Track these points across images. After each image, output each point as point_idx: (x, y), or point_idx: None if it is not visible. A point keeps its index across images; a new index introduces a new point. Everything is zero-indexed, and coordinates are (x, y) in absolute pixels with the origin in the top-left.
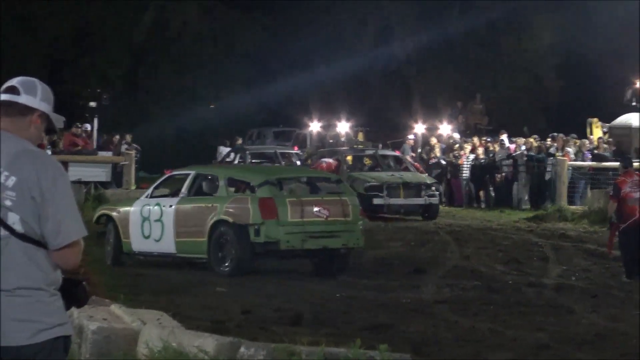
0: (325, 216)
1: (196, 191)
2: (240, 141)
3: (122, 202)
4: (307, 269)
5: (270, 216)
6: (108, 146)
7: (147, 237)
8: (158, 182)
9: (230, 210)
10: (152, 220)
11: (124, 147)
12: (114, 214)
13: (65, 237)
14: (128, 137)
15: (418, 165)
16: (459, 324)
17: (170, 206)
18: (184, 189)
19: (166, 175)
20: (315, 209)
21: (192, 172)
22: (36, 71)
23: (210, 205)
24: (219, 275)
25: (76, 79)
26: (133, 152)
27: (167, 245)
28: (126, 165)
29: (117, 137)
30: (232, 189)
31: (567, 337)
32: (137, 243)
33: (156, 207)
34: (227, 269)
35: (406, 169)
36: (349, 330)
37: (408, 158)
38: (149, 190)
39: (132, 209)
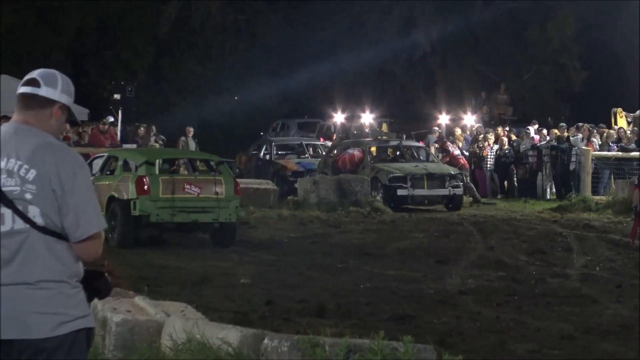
0: (196, 193)
1: (109, 171)
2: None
3: None
4: (331, 262)
5: (144, 192)
6: (133, 138)
7: None
8: (87, 162)
9: (118, 187)
10: None
11: (152, 139)
12: None
13: (86, 230)
14: (154, 128)
15: (459, 157)
16: (483, 314)
17: None
18: (97, 169)
19: (92, 158)
20: (187, 186)
21: (106, 155)
22: (59, 64)
23: (108, 183)
24: (239, 265)
25: (100, 71)
26: (157, 145)
27: None
28: None
29: (142, 128)
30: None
31: (592, 328)
32: None
33: None
34: (115, 240)
35: (437, 160)
36: (373, 321)
37: (452, 150)
38: None
39: None
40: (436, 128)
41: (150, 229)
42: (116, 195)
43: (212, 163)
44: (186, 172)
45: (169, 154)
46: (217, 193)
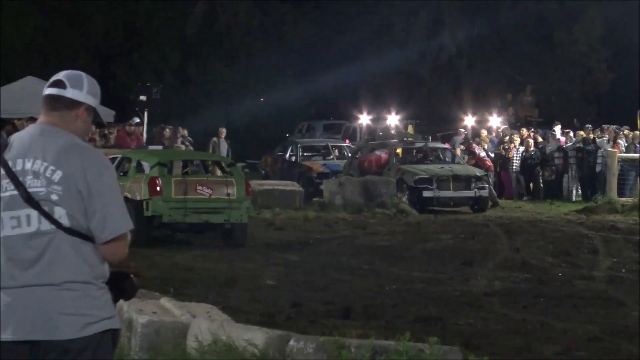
0: (208, 194)
1: (122, 172)
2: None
3: None
4: (357, 264)
5: (156, 193)
6: (158, 139)
7: None
8: None
9: (131, 188)
10: None
11: (179, 141)
12: None
13: (112, 231)
14: (183, 131)
15: (485, 158)
16: (509, 316)
17: None
18: None
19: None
20: (199, 187)
21: (120, 156)
22: (87, 65)
23: (121, 184)
24: (264, 266)
25: (127, 73)
26: (182, 147)
27: None
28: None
29: (168, 130)
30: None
31: (618, 330)
32: None
33: None
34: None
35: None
36: (399, 323)
37: (478, 151)
38: None
39: None
40: (462, 130)
41: (162, 229)
42: (129, 196)
43: (223, 165)
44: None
45: (181, 156)
46: (228, 194)
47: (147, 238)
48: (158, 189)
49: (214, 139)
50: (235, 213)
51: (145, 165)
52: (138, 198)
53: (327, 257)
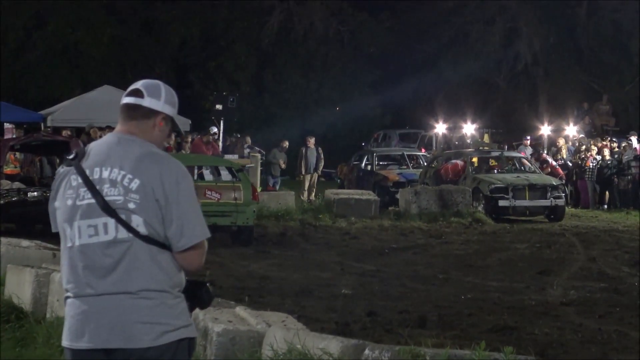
0: (216, 199)
1: None
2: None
3: None
4: (432, 273)
5: None
6: (234, 149)
7: None
8: None
9: None
10: None
11: (246, 151)
12: None
13: (189, 239)
14: (248, 140)
15: (558, 169)
16: (585, 326)
17: None
18: None
19: None
20: (208, 192)
21: None
22: (163, 74)
23: None
24: (340, 275)
25: (203, 81)
26: (258, 155)
27: None
28: (252, 168)
29: (248, 139)
30: None
31: None
32: None
33: None
34: None
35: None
36: (474, 333)
37: (550, 161)
38: None
39: None
40: (528, 137)
41: None
42: None
43: (233, 169)
44: None
45: (192, 161)
46: (235, 198)
47: None
48: None
49: (302, 148)
50: (241, 216)
51: None
52: None
53: (403, 266)
